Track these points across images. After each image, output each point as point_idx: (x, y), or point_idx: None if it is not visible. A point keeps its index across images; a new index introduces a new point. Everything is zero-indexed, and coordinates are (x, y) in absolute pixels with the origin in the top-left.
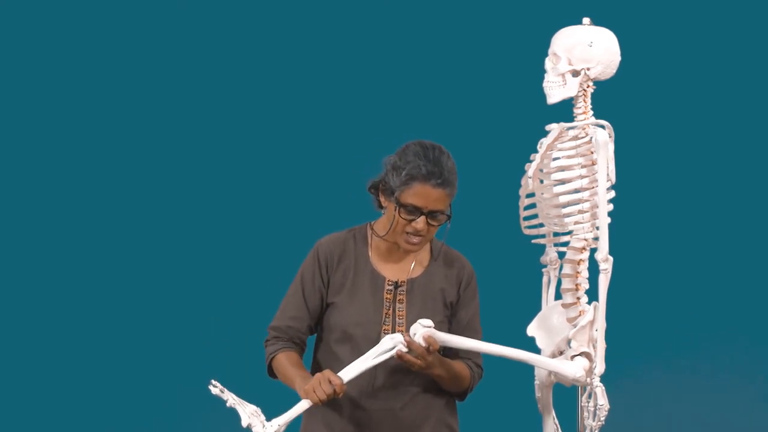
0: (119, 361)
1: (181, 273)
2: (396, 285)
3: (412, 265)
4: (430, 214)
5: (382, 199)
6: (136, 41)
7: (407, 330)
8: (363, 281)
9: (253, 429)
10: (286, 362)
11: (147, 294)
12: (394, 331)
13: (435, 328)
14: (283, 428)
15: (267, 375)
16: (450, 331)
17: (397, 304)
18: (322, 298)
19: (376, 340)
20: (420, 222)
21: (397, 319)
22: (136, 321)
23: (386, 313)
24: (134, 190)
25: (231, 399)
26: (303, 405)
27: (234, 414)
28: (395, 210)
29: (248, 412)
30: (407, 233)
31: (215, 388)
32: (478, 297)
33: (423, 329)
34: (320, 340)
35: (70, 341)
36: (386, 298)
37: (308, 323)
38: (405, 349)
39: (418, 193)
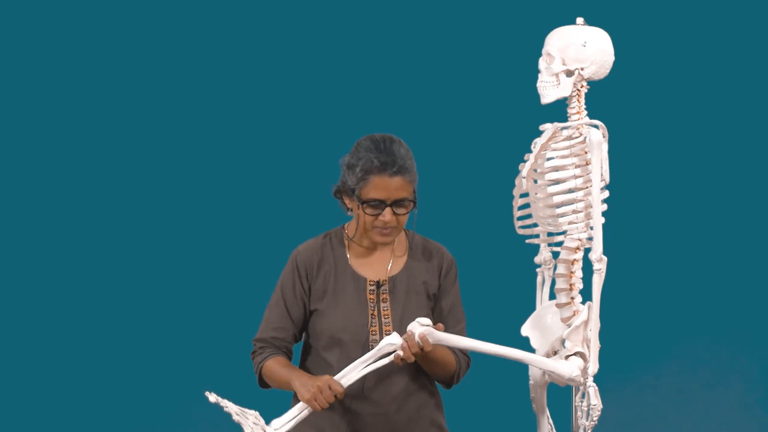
0: (117, 364)
1: (178, 276)
2: (378, 285)
3: (390, 262)
4: (395, 204)
5: (346, 200)
6: (111, 44)
7: (395, 329)
8: (345, 285)
9: None
10: (276, 366)
11: (142, 297)
12: (381, 332)
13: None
14: None
15: (258, 386)
16: (432, 320)
17: (381, 303)
18: (304, 306)
19: (365, 343)
20: (386, 214)
21: (382, 319)
22: (133, 324)
23: (372, 314)
24: (129, 196)
25: (230, 408)
26: (305, 412)
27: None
28: (359, 208)
29: (250, 423)
30: (377, 227)
31: (212, 396)
32: (458, 284)
33: (420, 328)
34: (308, 347)
35: (67, 343)
36: (369, 299)
37: (293, 332)
38: (401, 353)
39: (378, 186)
